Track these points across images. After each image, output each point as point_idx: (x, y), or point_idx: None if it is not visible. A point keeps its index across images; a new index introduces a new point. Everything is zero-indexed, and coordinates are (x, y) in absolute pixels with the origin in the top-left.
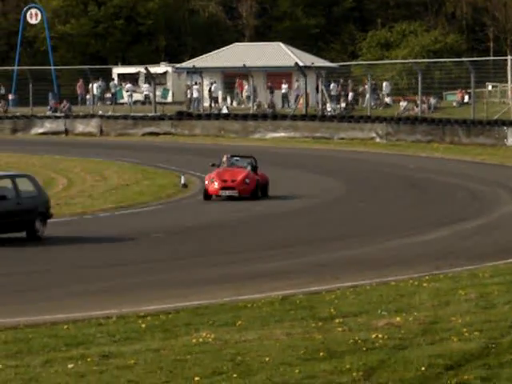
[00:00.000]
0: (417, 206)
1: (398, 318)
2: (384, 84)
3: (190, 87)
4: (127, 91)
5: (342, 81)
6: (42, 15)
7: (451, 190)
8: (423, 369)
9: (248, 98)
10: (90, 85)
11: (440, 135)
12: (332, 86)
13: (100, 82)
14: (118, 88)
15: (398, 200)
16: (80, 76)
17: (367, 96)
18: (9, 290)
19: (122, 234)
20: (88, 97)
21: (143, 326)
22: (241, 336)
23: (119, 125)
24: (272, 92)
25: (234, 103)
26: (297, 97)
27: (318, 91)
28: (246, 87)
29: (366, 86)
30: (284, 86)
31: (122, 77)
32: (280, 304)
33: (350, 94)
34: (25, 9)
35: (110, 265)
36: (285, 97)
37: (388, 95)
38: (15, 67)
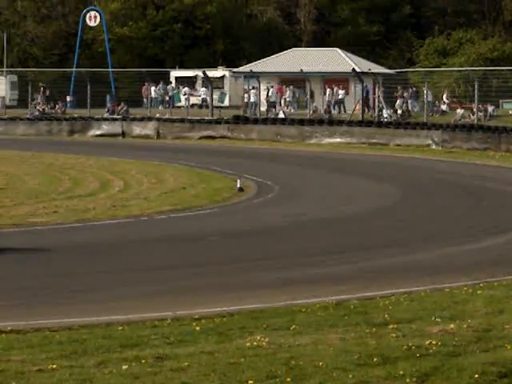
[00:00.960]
0: (472, 213)
1: (451, 325)
2: (444, 95)
3: (246, 91)
4: (184, 95)
5: (399, 87)
6: (100, 18)
7: (506, 198)
8: (476, 376)
9: (289, 103)
10: (146, 87)
11: (496, 143)
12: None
13: (160, 85)
14: (175, 91)
15: (453, 207)
16: (137, 79)
17: (425, 101)
18: (64, 290)
19: (177, 236)
20: (145, 100)
21: (198, 328)
22: (295, 340)
23: (176, 128)
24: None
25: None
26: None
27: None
28: (288, 93)
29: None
30: (341, 92)
31: (180, 80)
32: (334, 309)
33: (410, 102)
34: (84, 11)
35: (164, 267)
36: (341, 102)
37: (445, 102)
38: (73, 69)
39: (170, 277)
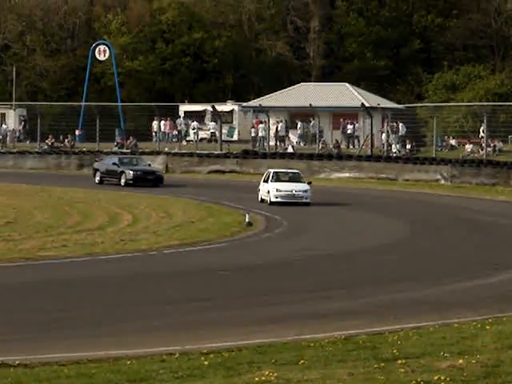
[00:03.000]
0: (481, 248)
1: (460, 361)
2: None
3: (253, 126)
4: (193, 129)
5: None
6: (110, 52)
7: None
8: None
9: (259, 137)
10: (156, 122)
11: (504, 178)
12: (401, 126)
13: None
14: (182, 125)
15: (461, 242)
16: (146, 113)
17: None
18: (72, 324)
19: (185, 271)
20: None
21: (206, 363)
22: (303, 375)
23: (185, 162)
24: (344, 131)
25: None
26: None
27: (395, 132)
28: (261, 126)
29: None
30: (350, 127)
31: (189, 114)
32: (343, 344)
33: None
34: (93, 45)
35: (173, 301)
36: (350, 137)
37: (453, 138)
38: (83, 103)
39: (178, 311)
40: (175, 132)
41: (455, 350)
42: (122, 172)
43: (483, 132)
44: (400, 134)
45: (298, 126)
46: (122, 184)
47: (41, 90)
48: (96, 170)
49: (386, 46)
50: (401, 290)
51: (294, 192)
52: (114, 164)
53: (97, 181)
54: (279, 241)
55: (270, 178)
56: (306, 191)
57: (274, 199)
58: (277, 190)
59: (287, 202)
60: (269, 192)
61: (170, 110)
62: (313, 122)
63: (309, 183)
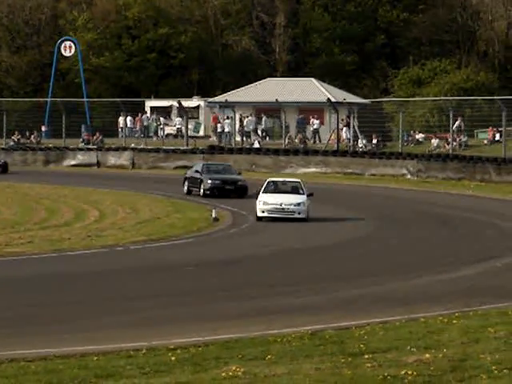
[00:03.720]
0: (447, 243)
1: (427, 355)
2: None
3: (220, 121)
4: (159, 124)
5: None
6: (75, 48)
7: (481, 228)
8: None
9: (222, 133)
10: (122, 117)
11: (471, 173)
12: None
13: (154, 116)
14: (150, 121)
15: (428, 237)
16: (113, 109)
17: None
18: (40, 320)
19: (152, 266)
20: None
21: (173, 358)
22: (270, 370)
23: (151, 158)
24: (303, 127)
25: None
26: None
27: (349, 127)
28: (227, 121)
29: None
30: (315, 122)
31: (155, 110)
32: (310, 339)
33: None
34: (59, 41)
35: (140, 297)
36: (316, 132)
37: (419, 132)
38: (48, 99)
39: (144, 307)
40: (141, 127)
41: (422, 344)
42: (201, 181)
43: (457, 127)
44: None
45: (263, 120)
46: (201, 194)
47: (6, 87)
48: (185, 179)
49: (352, 40)
50: (367, 285)
51: (283, 206)
52: (197, 171)
53: (185, 191)
54: (246, 236)
55: (263, 188)
56: (298, 204)
57: (260, 214)
58: (263, 202)
59: (277, 218)
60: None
61: (136, 106)
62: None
63: (309, 195)
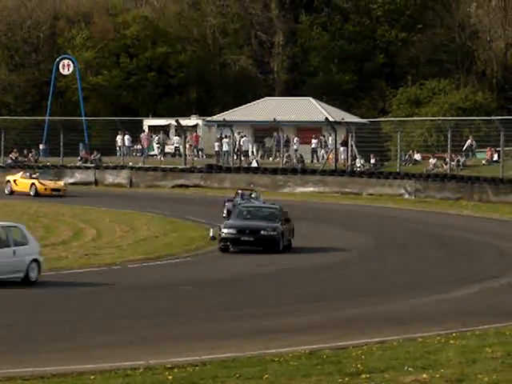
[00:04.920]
0: (445, 263)
1: (424, 375)
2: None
3: (219, 140)
4: (157, 143)
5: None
6: (74, 66)
7: (479, 248)
8: None
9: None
10: (120, 136)
11: (469, 193)
12: (330, 139)
13: (161, 135)
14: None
15: (425, 257)
16: (111, 127)
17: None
18: (37, 339)
19: (150, 285)
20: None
21: (170, 377)
22: None
23: (149, 176)
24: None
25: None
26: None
27: (347, 146)
28: (225, 140)
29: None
30: (314, 141)
31: (153, 129)
32: (307, 358)
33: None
34: (57, 59)
35: (137, 316)
36: (314, 151)
37: (418, 152)
38: (47, 117)
39: (142, 325)
40: (139, 146)
41: (419, 364)
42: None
43: (468, 146)
44: (330, 147)
45: (265, 140)
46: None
47: (4, 105)
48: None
49: (350, 60)
50: (365, 305)
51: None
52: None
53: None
54: (244, 255)
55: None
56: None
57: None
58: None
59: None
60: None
61: (134, 125)
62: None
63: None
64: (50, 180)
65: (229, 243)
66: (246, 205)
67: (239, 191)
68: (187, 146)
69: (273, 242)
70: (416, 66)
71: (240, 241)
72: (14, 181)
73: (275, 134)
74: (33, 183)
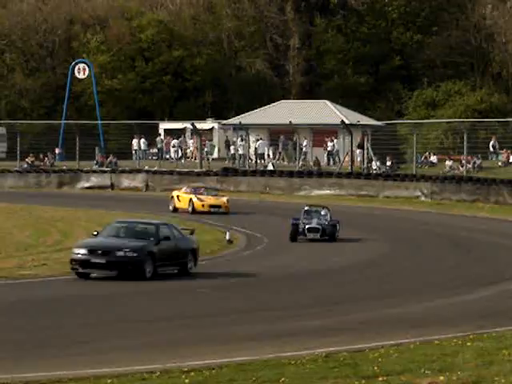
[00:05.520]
0: (461, 265)
1: (441, 377)
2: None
3: (234, 143)
4: (173, 147)
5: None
6: (89, 70)
7: (495, 250)
8: None
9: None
10: (136, 140)
11: (485, 195)
12: (334, 142)
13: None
14: (164, 143)
15: (442, 259)
16: (126, 131)
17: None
18: (54, 343)
19: (167, 288)
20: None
21: (187, 381)
22: None
23: (165, 180)
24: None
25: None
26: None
27: (363, 149)
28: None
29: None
30: (330, 144)
31: (169, 132)
32: (324, 361)
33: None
34: (73, 63)
35: (154, 319)
36: (330, 154)
37: (434, 154)
38: (62, 121)
39: (159, 329)
40: (155, 150)
41: (436, 366)
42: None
43: (492, 145)
44: (329, 149)
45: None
46: None
47: (20, 109)
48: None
49: (366, 62)
50: (382, 307)
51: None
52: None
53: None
54: (260, 258)
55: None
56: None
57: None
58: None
59: None
60: None
61: (150, 128)
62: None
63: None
64: (213, 195)
65: (78, 266)
66: (122, 220)
67: (305, 207)
68: (192, 148)
69: (132, 265)
70: (432, 68)
71: (90, 263)
72: (177, 197)
73: (294, 138)
74: (190, 199)
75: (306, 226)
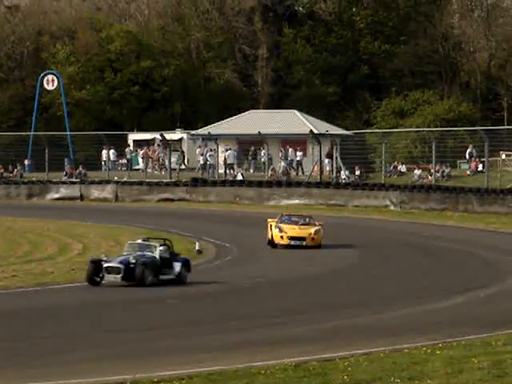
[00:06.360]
0: (430, 273)
1: None
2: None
3: (203, 154)
4: (142, 157)
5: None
6: (58, 81)
7: (465, 258)
8: None
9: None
10: (105, 151)
11: (454, 203)
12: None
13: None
14: (133, 154)
15: (411, 267)
16: (95, 142)
17: (383, 163)
18: (24, 354)
19: (136, 300)
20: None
21: None
22: None
23: (134, 191)
24: (287, 159)
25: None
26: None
27: (332, 158)
28: (210, 153)
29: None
30: (298, 154)
31: (138, 143)
32: (294, 371)
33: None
34: (41, 75)
35: (124, 330)
36: (299, 164)
37: (403, 163)
38: (31, 133)
39: (129, 339)
40: (124, 161)
41: (406, 375)
42: None
43: (469, 153)
44: (289, 158)
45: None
46: None
47: None
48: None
49: (334, 72)
50: (351, 316)
51: None
52: None
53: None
54: (229, 268)
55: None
56: None
57: None
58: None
59: None
60: None
61: (119, 139)
62: (262, 150)
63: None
64: (296, 225)
65: None
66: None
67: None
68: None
69: None
70: (400, 78)
71: None
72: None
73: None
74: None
75: (105, 265)
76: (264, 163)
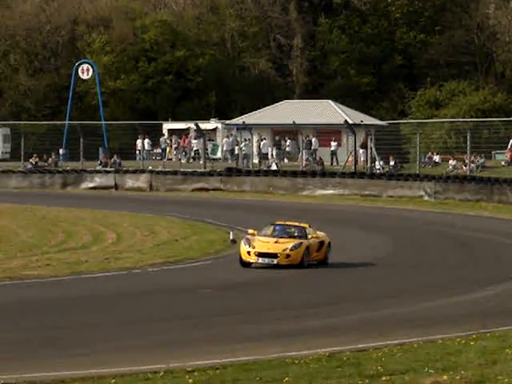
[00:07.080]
0: (464, 264)
1: (444, 377)
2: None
3: (238, 143)
4: (176, 147)
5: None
6: (93, 71)
7: (499, 249)
8: None
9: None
10: (139, 140)
11: (488, 194)
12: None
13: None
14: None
15: (445, 258)
16: (130, 131)
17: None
18: (58, 343)
19: (170, 289)
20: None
21: (190, 381)
22: None
23: (169, 180)
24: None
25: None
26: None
27: (366, 149)
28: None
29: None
30: (333, 144)
31: (172, 132)
32: (327, 361)
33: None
34: (76, 64)
35: (157, 320)
36: (334, 154)
37: (437, 154)
38: (66, 122)
39: (162, 329)
40: (159, 150)
41: (439, 366)
42: None
43: None
44: (313, 148)
45: (287, 143)
46: None
47: (24, 110)
48: None
49: (369, 62)
50: (385, 307)
51: None
52: None
53: None
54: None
55: None
56: None
57: None
58: None
59: None
60: None
61: (154, 128)
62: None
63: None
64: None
65: None
66: None
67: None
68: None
69: None
70: (435, 68)
71: None
72: None
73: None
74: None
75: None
76: (299, 153)
